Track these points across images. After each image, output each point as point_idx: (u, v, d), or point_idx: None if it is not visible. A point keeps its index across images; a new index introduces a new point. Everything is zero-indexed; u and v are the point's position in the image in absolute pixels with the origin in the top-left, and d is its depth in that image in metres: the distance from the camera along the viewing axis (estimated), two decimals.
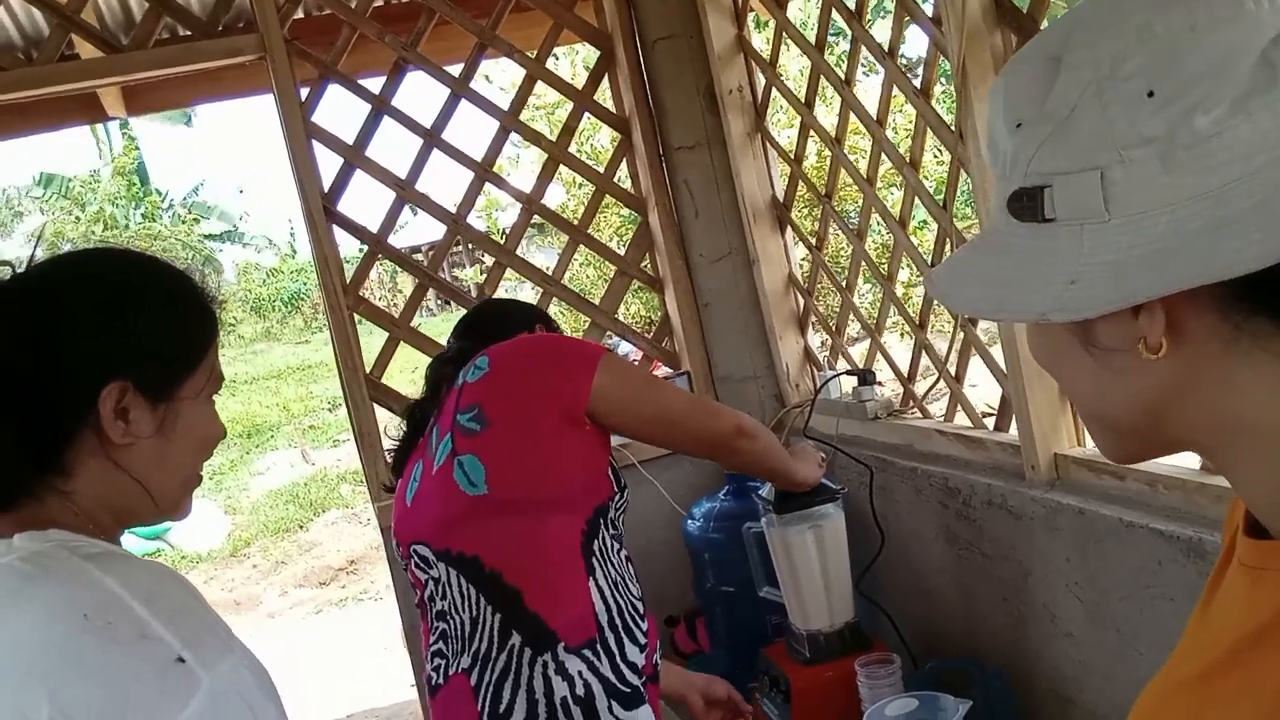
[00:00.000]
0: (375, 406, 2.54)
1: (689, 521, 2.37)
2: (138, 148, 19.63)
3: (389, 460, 1.92)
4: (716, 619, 2.34)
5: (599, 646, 1.62)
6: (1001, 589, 1.89)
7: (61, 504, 1.08)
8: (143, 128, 18.81)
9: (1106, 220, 0.58)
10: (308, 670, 5.46)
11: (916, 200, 2.09)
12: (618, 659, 1.63)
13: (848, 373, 2.37)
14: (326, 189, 2.52)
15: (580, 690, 1.59)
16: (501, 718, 1.59)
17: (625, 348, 4.28)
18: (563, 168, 2.76)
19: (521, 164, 8.19)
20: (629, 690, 1.63)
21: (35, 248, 1.18)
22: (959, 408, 2.08)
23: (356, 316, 2.58)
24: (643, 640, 1.68)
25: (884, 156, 2.15)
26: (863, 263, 2.36)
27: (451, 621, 1.68)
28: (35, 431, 1.06)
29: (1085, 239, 0.58)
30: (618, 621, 1.65)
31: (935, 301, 2.13)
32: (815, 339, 2.71)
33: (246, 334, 19.05)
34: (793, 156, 2.53)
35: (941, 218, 1.98)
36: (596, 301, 2.76)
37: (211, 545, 9.56)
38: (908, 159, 2.06)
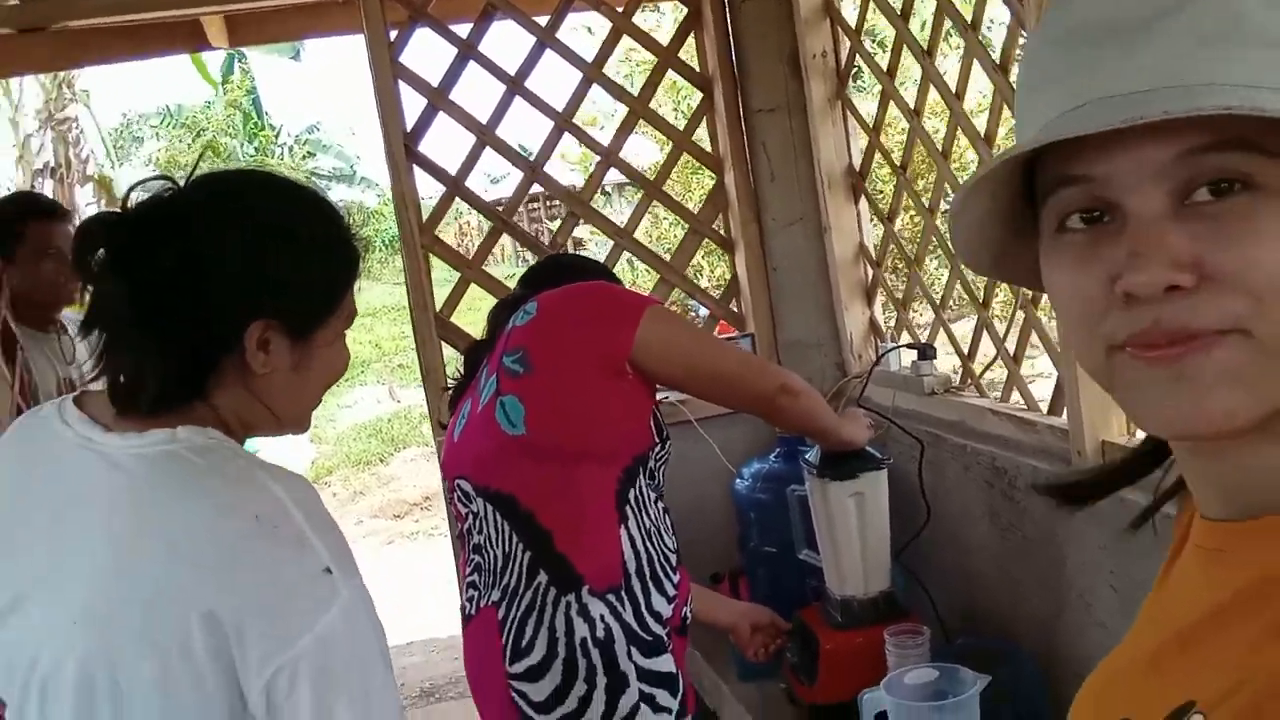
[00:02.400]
0: (442, 344, 2.60)
1: (738, 481, 2.40)
2: (253, 81, 20.07)
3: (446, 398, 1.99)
4: (758, 578, 2.37)
5: (623, 593, 1.66)
6: (1040, 573, 1.89)
7: (205, 411, 1.15)
8: (250, 59, 19.21)
9: None
10: (375, 597, 5.62)
11: None
12: (642, 607, 1.67)
13: (908, 346, 2.36)
14: (409, 129, 2.58)
15: (600, 633, 1.64)
16: (522, 652, 1.65)
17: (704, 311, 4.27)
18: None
19: (617, 119, 8.20)
20: (650, 639, 1.67)
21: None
22: (1015, 389, 2.07)
23: (431, 256, 2.65)
24: (671, 592, 1.72)
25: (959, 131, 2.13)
26: (934, 238, 2.34)
27: (486, 555, 1.73)
28: (183, 356, 1.12)
29: None
30: (646, 571, 1.69)
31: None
32: (881, 311, 2.70)
33: None
34: (872, 126, 2.51)
35: None
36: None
37: (295, 470, 9.86)
38: (982, 134, 2.03)
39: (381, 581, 6.18)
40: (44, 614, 1.10)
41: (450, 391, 1.95)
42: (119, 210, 1.15)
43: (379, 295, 17.34)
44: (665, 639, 1.69)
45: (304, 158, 20.49)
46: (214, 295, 1.12)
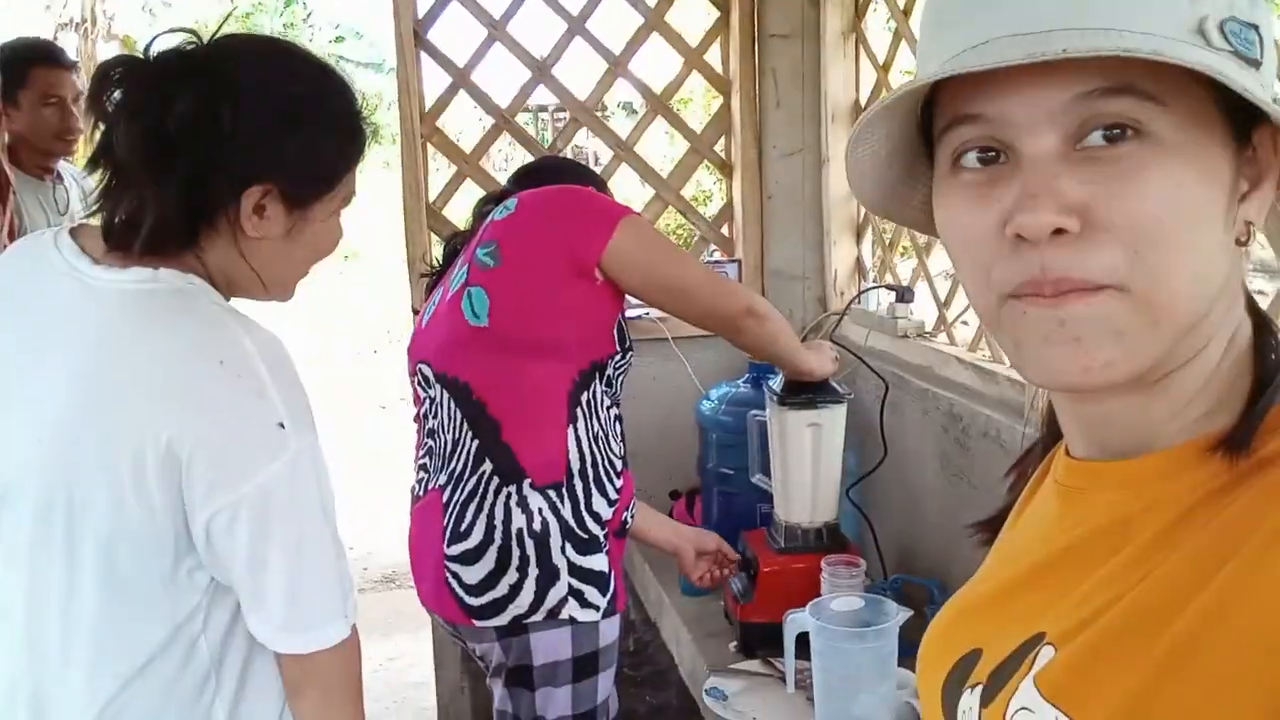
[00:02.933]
0: (431, 235, 2.62)
1: (704, 401, 2.43)
2: None
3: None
4: (712, 498, 2.41)
5: (564, 490, 1.71)
6: (980, 520, 1.92)
7: (192, 260, 1.19)
8: None
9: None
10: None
11: None
12: (581, 506, 1.71)
13: (888, 287, 2.38)
14: (421, 16, 2.57)
15: (536, 525, 1.68)
16: (461, 535, 1.70)
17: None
18: None
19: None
20: (586, 537, 1.72)
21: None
22: (983, 339, 2.08)
23: (430, 148, 2.66)
24: (613, 496, 1.76)
25: None
26: None
27: (438, 439, 1.77)
28: (181, 203, 1.16)
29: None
30: (589, 472, 1.73)
31: None
32: (871, 251, 2.70)
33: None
34: (882, 64, 2.49)
35: None
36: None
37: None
38: None
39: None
40: (11, 427, 1.16)
41: (427, 279, 1.98)
42: (142, 55, 1.18)
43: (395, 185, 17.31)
44: (602, 539, 1.74)
45: (334, 41, 20.27)
46: (220, 151, 1.15)
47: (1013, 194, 0.58)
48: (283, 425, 1.14)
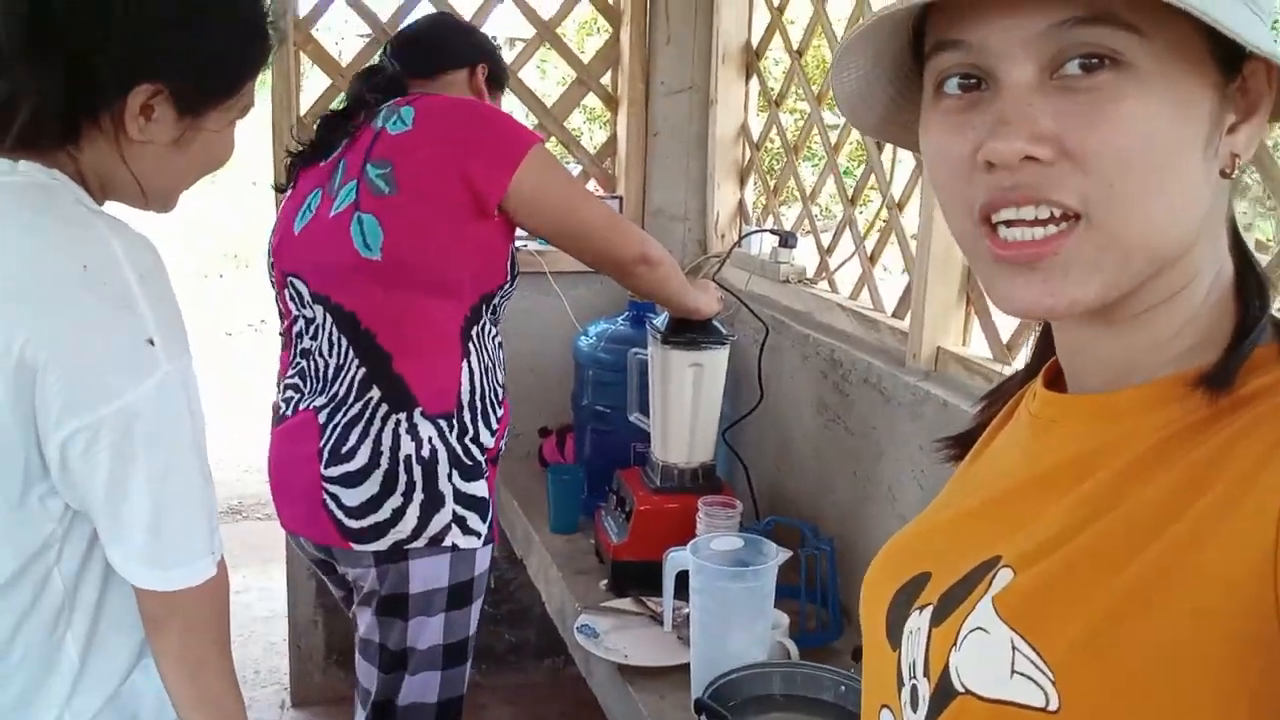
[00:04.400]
0: None
1: (582, 338, 2.39)
2: None
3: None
4: (585, 435, 2.38)
5: (454, 420, 1.67)
6: (855, 464, 1.94)
7: (65, 159, 1.08)
8: None
9: None
10: None
11: None
12: (468, 436, 1.68)
13: (771, 231, 2.37)
14: None
15: (425, 452, 1.64)
16: (343, 458, 1.63)
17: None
18: None
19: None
20: (471, 464, 1.69)
21: None
22: (865, 288, 2.10)
23: (303, 56, 2.52)
24: (495, 425, 1.74)
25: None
26: (814, 129, 2.33)
27: (314, 362, 1.69)
28: (61, 94, 1.05)
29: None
30: (478, 404, 1.70)
31: (871, 181, 2.12)
32: (752, 196, 2.69)
33: None
34: (776, 6, 2.47)
35: None
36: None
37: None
38: None
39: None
40: None
41: (294, 158, 1.81)
42: None
43: None
44: (483, 465, 1.71)
45: None
46: (108, 40, 1.05)
47: (988, 121, 0.57)
48: (152, 342, 1.04)
